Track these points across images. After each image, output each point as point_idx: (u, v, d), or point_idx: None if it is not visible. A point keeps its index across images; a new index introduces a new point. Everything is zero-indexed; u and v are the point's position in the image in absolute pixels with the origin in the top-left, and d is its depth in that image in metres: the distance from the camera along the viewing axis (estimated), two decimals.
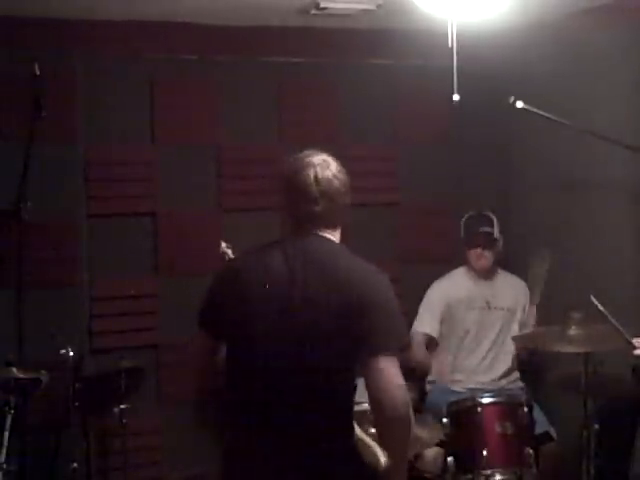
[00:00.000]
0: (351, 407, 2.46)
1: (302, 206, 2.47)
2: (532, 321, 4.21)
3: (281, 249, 2.46)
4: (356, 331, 2.35)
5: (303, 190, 2.45)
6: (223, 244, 3.35)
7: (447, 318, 4.26)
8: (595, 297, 3.29)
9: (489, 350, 4.20)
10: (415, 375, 4.19)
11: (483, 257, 4.19)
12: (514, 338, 4.08)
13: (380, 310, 2.38)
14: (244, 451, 2.43)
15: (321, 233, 2.49)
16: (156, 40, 4.11)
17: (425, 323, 4.27)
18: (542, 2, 3.82)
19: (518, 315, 4.24)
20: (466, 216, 4.27)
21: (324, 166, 2.48)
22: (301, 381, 2.37)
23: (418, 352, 4.23)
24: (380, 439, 2.47)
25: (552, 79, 4.22)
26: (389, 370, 2.33)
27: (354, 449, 2.45)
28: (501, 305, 4.22)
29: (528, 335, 3.98)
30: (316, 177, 2.45)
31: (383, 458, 2.52)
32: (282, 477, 2.36)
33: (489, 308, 4.22)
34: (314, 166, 2.46)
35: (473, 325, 4.20)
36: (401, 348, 2.40)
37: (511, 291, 4.27)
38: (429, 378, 4.29)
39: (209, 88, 4.32)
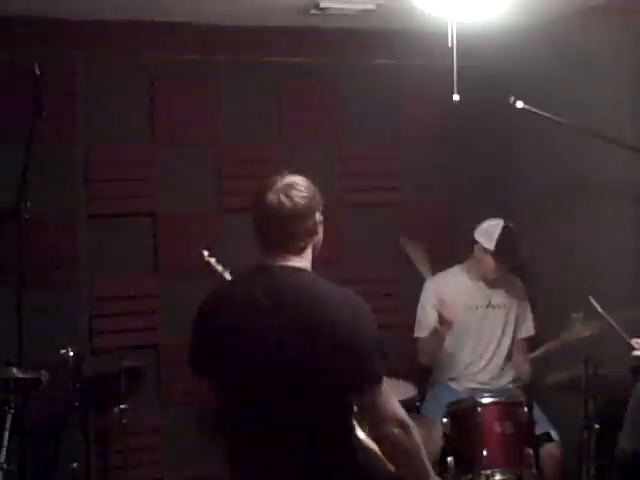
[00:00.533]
0: (345, 430, 2.46)
1: (270, 228, 2.43)
2: (530, 321, 4.21)
3: (247, 286, 2.42)
4: (336, 366, 2.32)
5: (264, 217, 2.42)
6: (205, 252, 3.35)
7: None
8: (595, 297, 3.29)
9: (488, 348, 4.19)
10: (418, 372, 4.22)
11: (497, 271, 4.13)
12: (514, 339, 4.09)
13: (360, 345, 2.33)
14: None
15: (290, 260, 2.42)
16: (156, 40, 4.11)
17: (421, 328, 4.26)
18: (542, 2, 3.82)
19: (516, 312, 4.23)
20: (500, 228, 4.10)
21: (286, 190, 2.41)
22: (296, 416, 2.36)
23: (422, 357, 4.24)
24: (399, 470, 2.47)
25: (552, 79, 4.22)
26: (382, 401, 2.35)
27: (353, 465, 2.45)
28: (499, 303, 4.21)
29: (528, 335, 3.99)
30: (279, 200, 2.39)
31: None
32: None
33: (489, 306, 4.21)
34: (278, 190, 2.41)
35: (471, 325, 4.18)
36: (383, 377, 2.37)
37: (508, 289, 4.25)
38: (432, 378, 4.29)
39: (209, 88, 4.32)
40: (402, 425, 2.36)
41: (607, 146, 3.67)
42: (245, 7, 3.82)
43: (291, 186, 2.42)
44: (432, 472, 2.45)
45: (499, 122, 4.58)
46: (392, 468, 2.48)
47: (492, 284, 4.22)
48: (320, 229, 2.49)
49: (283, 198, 2.39)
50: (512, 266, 4.19)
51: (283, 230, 2.41)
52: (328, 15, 3.95)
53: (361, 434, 2.64)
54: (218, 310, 2.46)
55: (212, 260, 3.36)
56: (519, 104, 3.57)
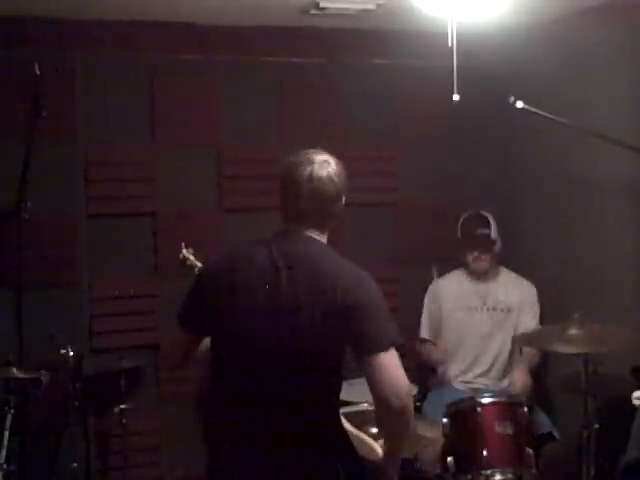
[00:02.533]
0: (337, 403, 2.48)
1: (291, 202, 2.46)
2: (534, 323, 4.20)
3: (267, 247, 2.45)
4: (344, 333, 2.36)
5: (295, 186, 2.44)
6: (184, 250, 3.35)
7: (443, 319, 4.27)
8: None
9: (486, 350, 4.19)
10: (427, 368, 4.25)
11: (480, 260, 4.18)
12: (514, 339, 4.08)
13: (370, 311, 2.38)
14: (228, 446, 2.43)
15: (307, 232, 2.47)
16: (156, 40, 4.11)
17: (423, 329, 4.29)
18: (542, 2, 3.82)
19: (517, 315, 4.22)
20: (463, 217, 4.25)
21: (323, 166, 2.46)
22: (285, 380, 2.37)
23: (428, 355, 4.24)
24: (381, 430, 2.51)
25: (552, 79, 4.22)
26: (389, 364, 2.35)
27: (339, 445, 2.45)
28: (499, 305, 4.21)
29: (528, 335, 3.98)
30: (311, 175, 2.43)
31: (379, 451, 2.54)
32: (266, 473, 2.37)
33: (486, 309, 4.21)
34: (312, 164, 2.45)
35: (468, 326, 4.20)
36: (395, 344, 2.39)
37: (511, 291, 4.25)
38: (434, 378, 4.30)
39: (209, 88, 4.32)
40: (401, 396, 2.36)
41: (607, 146, 3.67)
42: (245, 7, 3.82)
43: (324, 165, 2.46)
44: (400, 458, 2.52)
45: (499, 122, 4.58)
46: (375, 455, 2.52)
47: (490, 285, 4.22)
48: (338, 217, 2.53)
49: (316, 175, 2.43)
50: (491, 252, 4.17)
51: (305, 208, 2.44)
52: (328, 15, 3.95)
53: (350, 427, 2.65)
54: (232, 267, 2.46)
55: (191, 257, 3.36)
56: (519, 104, 3.57)
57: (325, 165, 2.46)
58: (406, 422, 2.41)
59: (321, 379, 2.41)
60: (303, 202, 2.44)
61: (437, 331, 4.28)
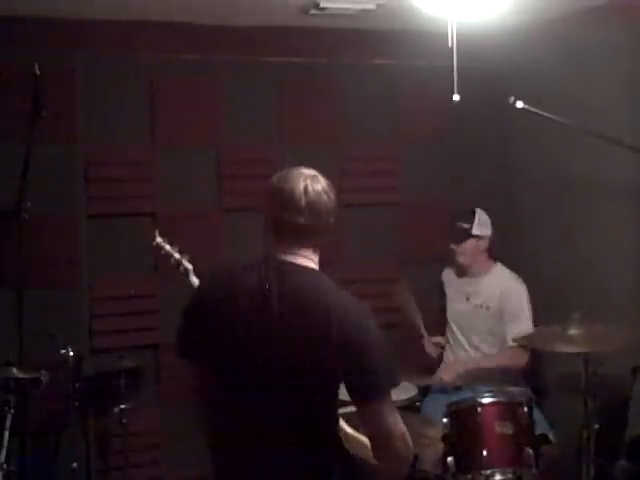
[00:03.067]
0: (334, 430, 2.44)
1: (286, 217, 2.33)
2: (524, 327, 4.18)
3: (258, 275, 2.33)
4: (339, 371, 2.27)
5: (293, 201, 2.32)
6: (158, 239, 3.26)
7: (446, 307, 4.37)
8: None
9: (479, 345, 4.21)
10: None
11: (455, 253, 4.19)
12: (513, 341, 4.08)
13: (367, 355, 2.26)
14: (229, 462, 2.42)
15: (302, 252, 2.36)
16: (156, 40, 4.11)
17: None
18: (542, 2, 3.82)
19: (500, 315, 4.17)
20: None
21: (315, 180, 2.37)
22: (283, 408, 2.31)
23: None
24: (380, 466, 2.44)
25: (552, 79, 4.22)
26: (384, 411, 2.29)
27: (336, 454, 2.42)
28: (480, 302, 4.20)
29: (528, 335, 3.97)
30: (306, 188, 2.33)
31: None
32: None
33: (468, 302, 4.23)
34: (305, 178, 2.36)
35: (459, 317, 4.25)
36: (392, 387, 2.33)
37: (493, 289, 4.21)
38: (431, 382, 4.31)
39: (209, 88, 4.32)
40: (404, 439, 2.33)
41: (607, 146, 3.67)
42: (245, 7, 3.82)
43: (317, 179, 2.38)
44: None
45: (499, 122, 4.59)
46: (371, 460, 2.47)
47: (476, 282, 4.23)
48: (331, 234, 2.43)
49: (311, 189, 2.34)
50: (469, 246, 4.16)
51: (304, 223, 2.33)
52: (328, 15, 3.95)
53: (347, 428, 2.64)
54: (221, 296, 2.37)
55: (166, 246, 3.27)
56: (519, 104, 3.56)
57: (317, 179, 2.38)
58: (399, 461, 2.37)
59: (317, 404, 2.35)
60: (302, 217, 2.32)
61: (439, 322, 4.34)
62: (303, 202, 2.33)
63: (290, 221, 2.34)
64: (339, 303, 2.29)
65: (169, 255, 3.23)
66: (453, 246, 4.19)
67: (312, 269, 2.38)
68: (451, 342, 4.32)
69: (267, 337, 2.29)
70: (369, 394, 2.29)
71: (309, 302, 2.29)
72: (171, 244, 3.26)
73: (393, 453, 2.33)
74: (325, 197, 2.37)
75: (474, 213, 4.19)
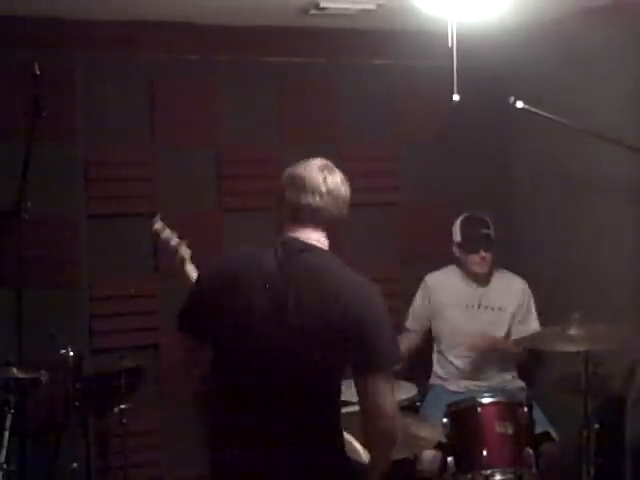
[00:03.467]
0: (337, 407, 2.46)
1: (304, 201, 2.43)
2: (535, 325, 4.18)
3: (275, 254, 2.41)
4: (346, 348, 2.33)
5: (310, 184, 2.44)
6: (158, 224, 3.19)
7: (435, 314, 4.26)
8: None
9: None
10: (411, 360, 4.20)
11: (484, 261, 4.15)
12: (517, 341, 4.08)
13: (371, 328, 2.34)
14: (229, 444, 2.42)
15: (315, 234, 2.45)
16: (156, 40, 4.11)
17: (409, 320, 4.32)
18: (542, 2, 3.82)
19: (510, 314, 4.21)
20: (461, 218, 4.23)
21: (333, 171, 2.49)
22: (287, 383, 2.35)
23: (408, 344, 4.23)
24: (367, 444, 2.49)
25: (552, 79, 4.22)
26: (380, 390, 2.32)
27: (339, 447, 2.44)
28: (494, 304, 4.20)
29: (528, 335, 3.98)
30: (325, 178, 2.45)
31: (365, 454, 2.54)
32: (268, 473, 2.36)
33: (480, 307, 4.20)
34: (324, 168, 2.48)
35: (462, 324, 4.18)
36: (393, 365, 2.37)
37: (507, 290, 4.24)
38: (431, 378, 4.30)
39: (209, 88, 4.32)
40: (393, 420, 2.36)
41: (607, 146, 3.67)
42: (245, 7, 3.82)
43: (334, 171, 2.50)
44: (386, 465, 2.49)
45: (499, 122, 4.59)
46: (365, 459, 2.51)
47: (486, 285, 4.22)
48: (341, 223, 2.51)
49: (330, 178, 2.46)
50: (486, 252, 4.15)
51: (322, 206, 2.44)
52: (328, 15, 3.95)
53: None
54: (231, 271, 2.44)
55: (167, 230, 3.20)
56: (519, 104, 3.57)
57: (334, 171, 2.50)
58: (388, 441, 2.39)
59: (321, 387, 2.39)
60: (321, 200, 2.43)
61: (422, 324, 4.28)
62: (323, 188, 2.44)
63: (309, 204, 2.44)
64: (349, 279, 2.40)
65: (167, 241, 3.17)
66: (484, 254, 4.14)
67: (323, 249, 2.47)
68: (444, 351, 4.24)
69: (279, 311, 2.35)
70: (368, 368, 2.33)
71: (320, 278, 2.38)
72: (171, 230, 3.22)
73: (380, 430, 2.36)
74: (342, 187, 2.49)
75: (486, 219, 4.19)
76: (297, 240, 2.44)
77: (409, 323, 4.32)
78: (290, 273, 2.37)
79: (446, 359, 4.21)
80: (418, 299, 4.31)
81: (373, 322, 2.35)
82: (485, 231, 4.16)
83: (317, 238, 2.46)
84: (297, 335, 2.33)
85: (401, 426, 2.44)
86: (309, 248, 2.43)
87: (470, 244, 4.17)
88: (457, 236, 4.21)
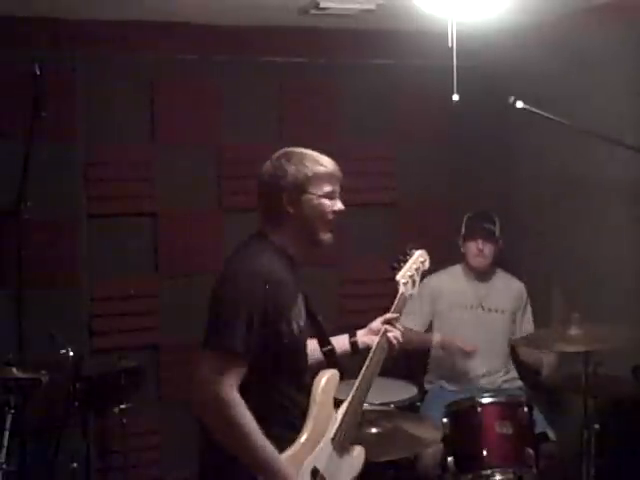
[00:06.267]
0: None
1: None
2: (529, 327, 4.19)
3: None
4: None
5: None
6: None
7: (437, 314, 4.26)
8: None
9: (482, 350, 4.16)
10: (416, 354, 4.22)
11: (482, 253, 4.15)
12: (514, 341, 4.08)
13: (214, 306, 2.40)
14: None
15: (265, 232, 2.52)
16: (156, 40, 4.11)
17: (407, 318, 4.27)
18: (542, 2, 3.82)
19: (512, 317, 4.21)
20: (468, 215, 4.27)
21: (266, 162, 2.61)
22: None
23: (416, 340, 4.22)
24: None
25: (552, 79, 4.22)
26: (201, 366, 2.34)
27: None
28: (495, 307, 4.20)
29: (528, 337, 3.97)
30: (259, 173, 2.57)
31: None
32: None
33: (482, 309, 4.20)
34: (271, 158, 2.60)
35: (464, 325, 4.18)
36: (225, 350, 2.32)
37: (507, 292, 4.24)
38: (427, 377, 4.29)
39: (209, 88, 4.32)
40: (201, 399, 2.35)
41: (607, 146, 3.67)
42: (245, 7, 3.82)
43: (271, 157, 2.62)
44: (261, 449, 2.35)
45: (499, 122, 4.58)
46: None
47: (488, 286, 4.21)
48: (293, 209, 2.50)
49: (264, 166, 2.58)
50: (494, 247, 4.16)
51: (258, 198, 2.57)
52: (328, 15, 3.95)
53: None
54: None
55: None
56: (519, 104, 3.57)
57: (268, 160, 2.62)
58: (196, 406, 2.39)
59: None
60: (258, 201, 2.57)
61: (423, 323, 4.27)
62: (259, 186, 2.59)
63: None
64: (230, 264, 2.46)
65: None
66: (481, 244, 4.14)
67: (260, 237, 2.51)
68: (443, 351, 4.23)
69: None
70: (204, 342, 2.38)
71: (226, 265, 2.48)
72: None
73: (195, 399, 2.38)
74: (266, 176, 2.57)
75: (492, 216, 4.21)
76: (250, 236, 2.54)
77: (406, 322, 4.29)
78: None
79: (446, 359, 4.21)
80: (418, 299, 4.29)
81: (214, 303, 2.40)
82: (487, 225, 4.18)
83: (262, 227, 2.53)
84: None
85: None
86: (251, 237, 2.52)
87: (470, 233, 4.20)
88: (462, 229, 4.24)
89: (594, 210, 4.06)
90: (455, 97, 3.08)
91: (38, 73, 3.39)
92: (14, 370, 3.31)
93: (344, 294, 4.57)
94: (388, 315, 2.77)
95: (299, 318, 2.49)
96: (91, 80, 4.07)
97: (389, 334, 2.70)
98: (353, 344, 2.78)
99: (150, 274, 4.24)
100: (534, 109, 3.58)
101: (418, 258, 2.96)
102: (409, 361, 4.22)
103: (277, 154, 2.60)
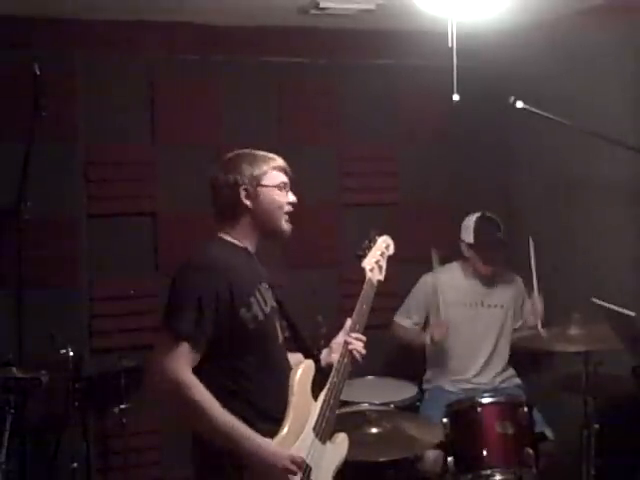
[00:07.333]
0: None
1: None
2: (533, 319, 4.19)
3: None
4: None
5: None
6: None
7: (433, 312, 4.23)
8: (595, 297, 3.29)
9: (482, 348, 4.17)
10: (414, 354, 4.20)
11: (495, 262, 4.14)
12: (513, 341, 4.08)
13: (168, 295, 2.49)
14: None
15: (220, 234, 2.61)
16: (156, 40, 4.11)
17: (403, 314, 4.29)
18: (541, 2, 3.82)
19: (513, 312, 4.22)
20: (474, 219, 4.16)
21: (215, 166, 2.67)
22: None
23: (394, 339, 4.22)
24: None
25: (552, 79, 4.22)
26: (158, 343, 2.45)
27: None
28: (495, 302, 4.20)
29: (528, 337, 3.98)
30: (211, 177, 2.65)
31: None
32: None
33: (482, 305, 4.19)
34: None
35: (461, 321, 4.17)
36: (173, 331, 2.42)
37: (506, 288, 4.24)
38: (426, 377, 4.29)
39: (209, 88, 4.32)
40: (155, 374, 2.41)
41: (607, 146, 3.67)
42: (245, 7, 3.82)
43: (222, 160, 2.65)
44: (229, 425, 2.39)
45: (499, 122, 4.58)
46: None
47: (488, 283, 4.21)
48: (252, 203, 2.59)
49: (215, 170, 2.65)
50: (499, 255, 4.14)
51: (213, 200, 2.66)
52: (328, 15, 3.95)
53: None
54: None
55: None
56: (519, 104, 3.57)
57: (221, 160, 2.67)
58: (147, 387, 2.51)
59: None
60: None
61: (420, 322, 4.26)
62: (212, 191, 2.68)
63: None
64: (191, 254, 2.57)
65: None
66: (494, 254, 4.10)
67: (219, 236, 2.61)
68: (443, 350, 4.19)
69: None
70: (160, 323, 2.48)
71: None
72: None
73: (147, 379, 2.52)
74: (214, 179, 2.65)
75: (498, 222, 4.15)
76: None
77: (402, 318, 4.31)
78: None
79: (446, 358, 4.21)
80: (418, 296, 4.29)
81: (170, 289, 2.50)
82: (499, 234, 4.12)
83: (217, 229, 2.63)
84: None
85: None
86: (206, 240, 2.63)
87: (486, 250, 4.11)
88: (469, 237, 4.12)
89: (594, 210, 4.06)
90: (455, 97, 3.08)
91: (38, 73, 3.39)
92: (14, 370, 3.31)
93: (344, 294, 4.56)
94: (348, 325, 2.82)
95: (263, 305, 2.56)
96: (91, 80, 4.07)
97: (350, 346, 2.75)
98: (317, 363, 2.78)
99: (150, 274, 4.24)
100: (534, 109, 3.58)
101: (382, 244, 3.14)
102: (409, 361, 4.22)
103: (226, 156, 2.67)
